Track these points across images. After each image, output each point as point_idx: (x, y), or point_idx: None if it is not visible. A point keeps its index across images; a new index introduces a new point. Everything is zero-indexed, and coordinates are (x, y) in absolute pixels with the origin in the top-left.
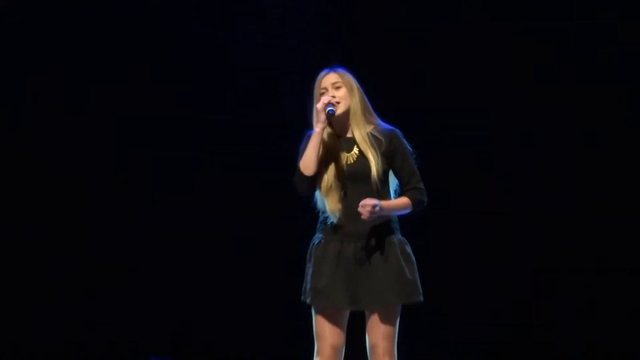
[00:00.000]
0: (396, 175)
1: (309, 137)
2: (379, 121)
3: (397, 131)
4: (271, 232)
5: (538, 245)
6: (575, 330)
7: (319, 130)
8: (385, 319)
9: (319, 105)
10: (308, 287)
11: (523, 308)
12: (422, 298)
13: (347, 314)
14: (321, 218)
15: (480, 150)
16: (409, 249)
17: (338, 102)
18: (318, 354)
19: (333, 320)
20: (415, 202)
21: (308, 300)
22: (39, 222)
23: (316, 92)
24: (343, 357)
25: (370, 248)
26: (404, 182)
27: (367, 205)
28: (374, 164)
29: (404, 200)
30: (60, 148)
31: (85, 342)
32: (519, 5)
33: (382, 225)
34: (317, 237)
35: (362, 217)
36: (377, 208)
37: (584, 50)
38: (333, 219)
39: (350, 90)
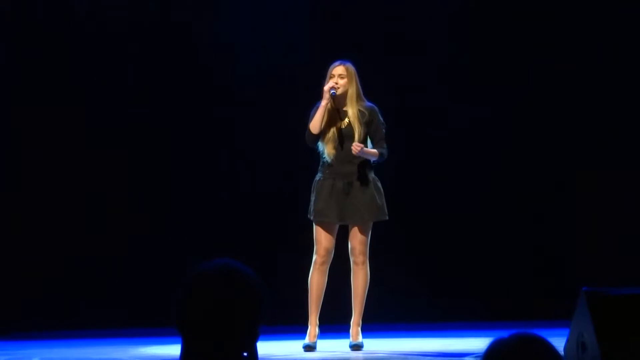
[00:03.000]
0: (370, 137)
1: (316, 107)
2: (365, 101)
3: (376, 108)
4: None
5: None
6: None
7: (324, 104)
8: (362, 230)
9: (325, 88)
10: (312, 209)
11: None
12: (387, 217)
13: (336, 227)
14: (321, 162)
15: None
16: (379, 184)
17: (338, 87)
18: (316, 253)
19: (327, 230)
20: (380, 154)
21: (312, 218)
22: None
23: (328, 75)
24: (332, 256)
25: (353, 183)
26: (375, 142)
27: (358, 145)
28: (357, 131)
29: (375, 151)
30: None
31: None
32: None
33: (361, 168)
34: (318, 175)
35: (353, 150)
36: (362, 148)
37: None
38: (328, 159)
39: (350, 80)
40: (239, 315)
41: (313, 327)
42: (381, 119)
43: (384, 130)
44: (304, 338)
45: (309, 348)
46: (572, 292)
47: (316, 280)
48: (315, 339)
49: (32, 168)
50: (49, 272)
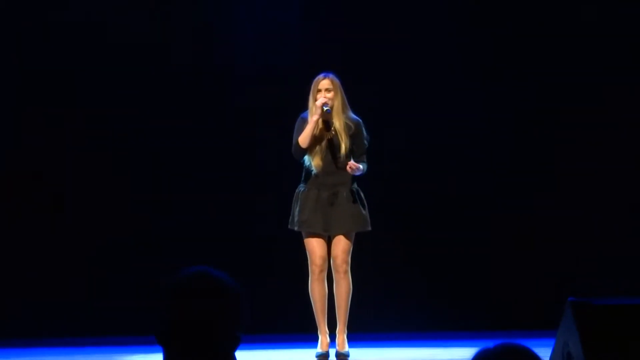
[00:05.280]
0: (353, 150)
1: (301, 119)
2: (350, 112)
3: (360, 121)
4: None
5: None
6: None
7: (316, 119)
8: (345, 240)
9: (317, 103)
10: (296, 219)
11: None
12: (370, 228)
13: (326, 236)
14: (304, 173)
15: None
16: (362, 195)
17: (330, 101)
18: (312, 263)
19: (317, 239)
20: (364, 169)
21: (296, 228)
22: None
23: (313, 89)
24: (327, 263)
25: (337, 194)
26: (357, 155)
27: (352, 165)
28: (343, 144)
29: (361, 166)
30: None
31: None
32: None
33: (346, 179)
34: (302, 186)
35: (350, 170)
36: (355, 166)
37: None
38: (315, 171)
39: (336, 93)
40: (218, 322)
41: (324, 336)
42: (365, 133)
43: (366, 144)
44: (312, 347)
45: (323, 357)
46: (558, 301)
47: (317, 290)
48: (327, 348)
49: (30, 170)
50: (33, 279)
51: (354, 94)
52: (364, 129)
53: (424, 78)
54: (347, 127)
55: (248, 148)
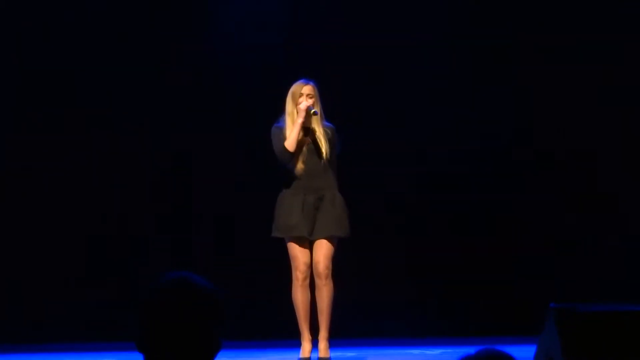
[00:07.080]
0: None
1: (277, 128)
2: (324, 119)
3: (334, 127)
4: None
5: None
6: None
7: (301, 122)
8: (328, 245)
9: (302, 106)
10: (281, 225)
11: None
12: (350, 234)
13: (309, 244)
14: (287, 178)
15: None
16: (344, 200)
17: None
18: (296, 269)
19: (301, 245)
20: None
21: (280, 234)
22: None
23: (294, 93)
24: (311, 269)
25: (323, 198)
26: (331, 160)
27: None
28: (324, 148)
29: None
30: None
31: None
32: None
33: (329, 184)
34: (284, 191)
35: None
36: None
37: None
38: (298, 175)
39: (317, 99)
40: (198, 328)
41: (307, 342)
42: (337, 138)
43: (338, 150)
44: (295, 353)
45: None
46: (540, 308)
47: (301, 297)
48: (309, 354)
49: (30, 170)
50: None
51: (353, 95)
52: (336, 134)
53: (423, 78)
54: (325, 132)
55: (245, 150)
